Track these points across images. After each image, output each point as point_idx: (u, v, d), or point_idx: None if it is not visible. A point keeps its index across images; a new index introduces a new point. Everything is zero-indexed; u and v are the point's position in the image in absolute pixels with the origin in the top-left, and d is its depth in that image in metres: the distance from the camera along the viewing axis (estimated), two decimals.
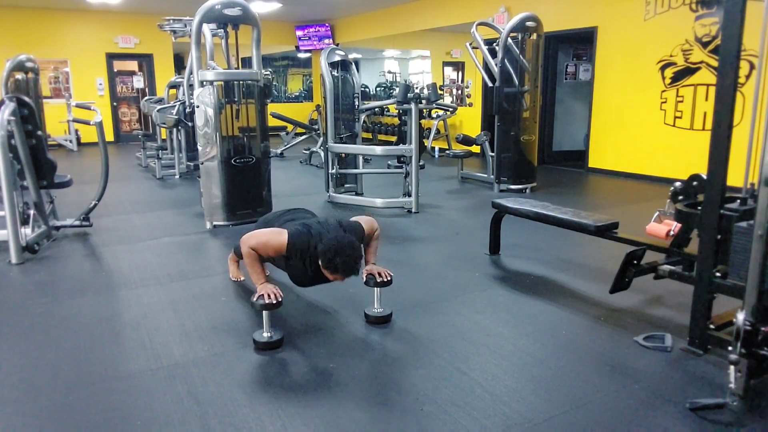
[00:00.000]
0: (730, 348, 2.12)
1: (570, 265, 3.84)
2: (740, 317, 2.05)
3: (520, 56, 6.55)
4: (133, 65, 12.87)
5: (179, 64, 13.90)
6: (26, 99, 4.11)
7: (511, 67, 6.54)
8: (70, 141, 11.12)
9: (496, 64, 6.58)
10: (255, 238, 2.71)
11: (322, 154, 6.56)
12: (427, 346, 2.63)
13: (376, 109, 11.31)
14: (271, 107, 7.50)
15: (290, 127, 10.85)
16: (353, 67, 6.43)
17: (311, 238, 2.66)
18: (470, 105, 11.33)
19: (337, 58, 6.22)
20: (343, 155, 6.23)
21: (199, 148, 4.83)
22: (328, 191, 6.04)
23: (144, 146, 8.93)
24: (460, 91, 13.74)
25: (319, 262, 2.62)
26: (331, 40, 13.78)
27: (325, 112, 6.10)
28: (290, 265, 2.81)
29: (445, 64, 13.89)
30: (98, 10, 11.58)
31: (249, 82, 4.93)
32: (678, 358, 2.49)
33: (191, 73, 5.20)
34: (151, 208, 5.83)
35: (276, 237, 2.69)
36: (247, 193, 4.99)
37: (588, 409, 2.11)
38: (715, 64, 5.39)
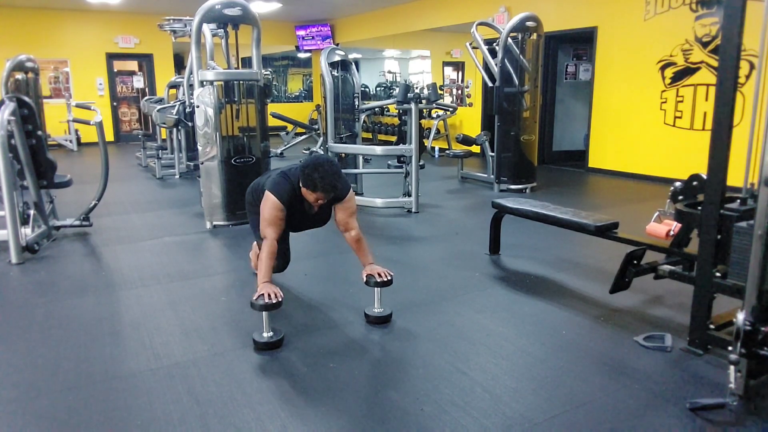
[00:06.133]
0: (730, 348, 2.12)
1: (570, 265, 3.84)
2: (740, 317, 2.05)
3: (520, 56, 6.55)
4: (133, 65, 12.87)
5: (179, 64, 13.89)
6: (26, 99, 4.12)
7: (511, 67, 6.54)
8: (70, 141, 11.13)
9: (496, 64, 6.58)
10: (266, 224, 2.72)
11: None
12: (427, 346, 2.63)
13: (376, 109, 11.32)
14: (271, 107, 7.50)
15: (290, 127, 10.85)
16: (353, 67, 6.43)
17: (288, 176, 2.76)
18: (470, 105, 11.32)
19: (337, 58, 6.22)
20: (343, 155, 6.23)
21: (199, 148, 4.83)
22: None
23: (144, 146, 8.93)
24: (460, 91, 13.74)
25: (300, 184, 2.69)
26: (331, 40, 13.79)
27: (325, 112, 6.10)
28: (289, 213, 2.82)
29: (445, 64, 13.87)
30: (98, 10, 11.58)
31: (249, 82, 4.93)
32: (678, 358, 2.49)
33: (191, 73, 5.21)
34: (151, 207, 5.83)
35: (268, 204, 2.73)
36: None
37: (588, 409, 2.11)
38: (715, 64, 5.39)
